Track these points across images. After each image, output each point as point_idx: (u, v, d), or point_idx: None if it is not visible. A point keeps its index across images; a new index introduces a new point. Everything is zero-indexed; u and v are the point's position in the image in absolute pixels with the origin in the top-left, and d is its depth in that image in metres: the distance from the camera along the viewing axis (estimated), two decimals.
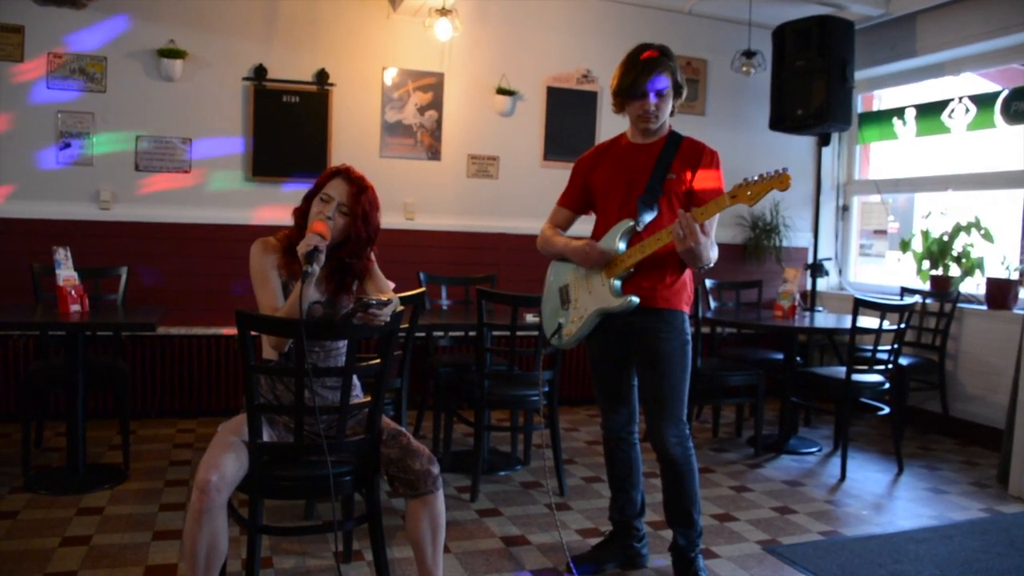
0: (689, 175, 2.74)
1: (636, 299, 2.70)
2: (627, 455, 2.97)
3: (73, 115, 4.80)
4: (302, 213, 2.49)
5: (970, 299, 5.36)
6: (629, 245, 2.72)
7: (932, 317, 5.34)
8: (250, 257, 2.45)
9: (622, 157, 2.83)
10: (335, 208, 2.41)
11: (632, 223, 2.72)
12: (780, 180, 2.48)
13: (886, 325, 4.21)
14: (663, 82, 2.69)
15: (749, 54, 5.94)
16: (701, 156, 2.75)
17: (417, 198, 5.52)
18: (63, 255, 3.71)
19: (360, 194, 2.43)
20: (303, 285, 2.26)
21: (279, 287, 2.44)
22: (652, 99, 2.69)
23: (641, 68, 2.67)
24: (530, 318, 3.98)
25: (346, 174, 2.46)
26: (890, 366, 4.33)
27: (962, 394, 5.25)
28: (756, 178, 2.51)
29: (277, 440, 2.39)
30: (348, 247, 2.45)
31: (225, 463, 2.14)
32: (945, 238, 5.45)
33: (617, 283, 2.74)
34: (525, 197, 5.69)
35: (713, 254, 2.60)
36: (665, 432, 2.75)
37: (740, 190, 2.53)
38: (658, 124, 2.77)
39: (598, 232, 2.84)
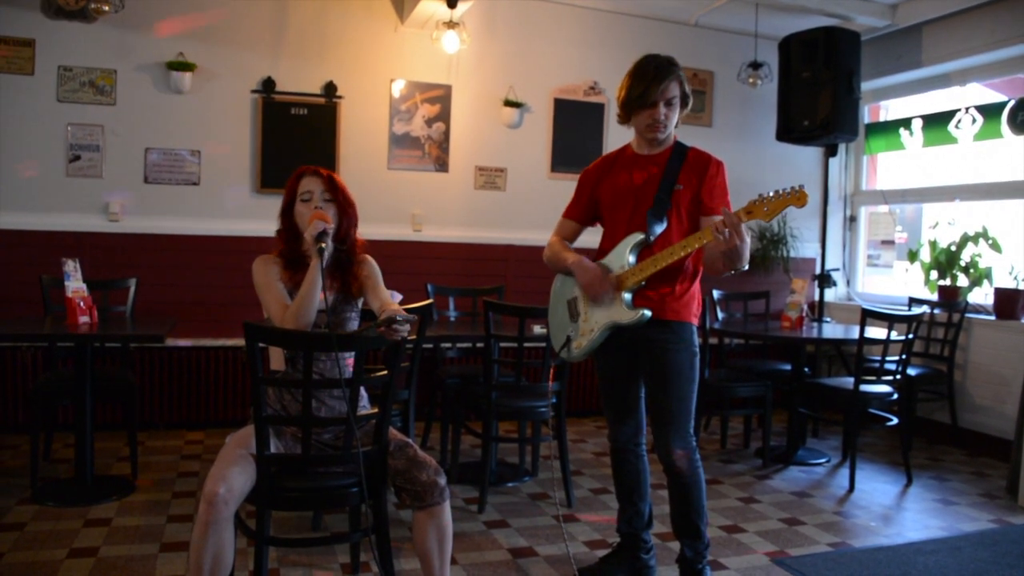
0: (696, 185, 2.74)
1: (648, 312, 2.69)
2: (634, 467, 2.96)
3: (83, 128, 4.84)
4: (287, 228, 2.59)
5: (978, 309, 5.35)
6: (639, 258, 2.72)
7: (940, 327, 5.32)
8: (253, 273, 2.55)
9: (629, 168, 2.83)
10: (321, 199, 2.53)
11: (643, 236, 2.72)
12: (797, 197, 2.47)
13: (894, 336, 4.21)
14: (673, 90, 2.70)
15: (755, 65, 5.97)
16: (708, 166, 2.75)
17: (425, 210, 5.52)
18: (72, 267, 3.73)
19: (333, 181, 2.59)
20: (319, 265, 2.35)
21: (285, 292, 2.50)
22: (662, 108, 2.70)
23: (651, 77, 2.67)
24: (537, 329, 3.98)
25: (313, 170, 2.60)
26: (898, 377, 4.32)
27: (971, 405, 5.23)
28: (772, 194, 2.50)
29: (285, 451, 2.40)
30: (339, 231, 2.56)
31: (233, 476, 2.15)
32: (953, 248, 5.44)
33: (628, 296, 2.73)
34: (532, 209, 5.71)
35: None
36: (672, 445, 2.74)
37: (756, 206, 2.52)
38: (666, 133, 2.77)
39: (606, 244, 2.84)
